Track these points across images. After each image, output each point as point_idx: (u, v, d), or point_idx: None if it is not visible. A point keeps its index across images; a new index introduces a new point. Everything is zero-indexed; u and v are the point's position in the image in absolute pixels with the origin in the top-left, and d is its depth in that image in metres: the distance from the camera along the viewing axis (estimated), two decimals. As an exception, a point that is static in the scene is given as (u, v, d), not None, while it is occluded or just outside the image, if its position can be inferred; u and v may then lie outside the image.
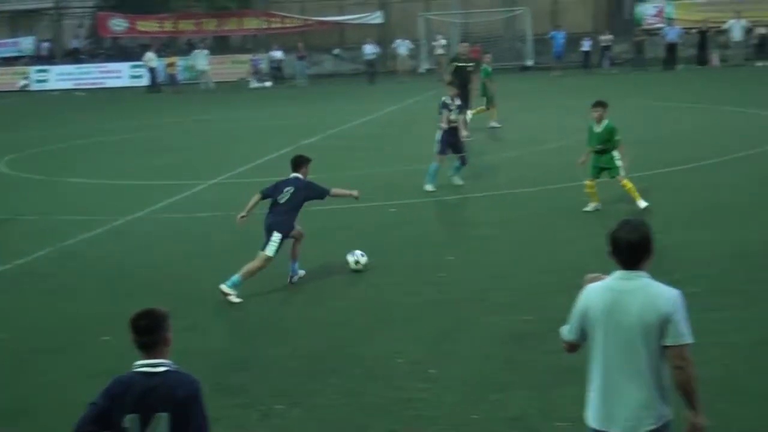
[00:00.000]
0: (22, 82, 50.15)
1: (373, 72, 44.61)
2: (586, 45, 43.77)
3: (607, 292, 4.99)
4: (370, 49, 45.29)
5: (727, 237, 12.51)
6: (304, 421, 7.81)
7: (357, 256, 12.04)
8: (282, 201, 11.50)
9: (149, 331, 4.85)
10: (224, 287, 11.09)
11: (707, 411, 5.02)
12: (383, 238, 13.08)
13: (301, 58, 46.12)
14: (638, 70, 41.79)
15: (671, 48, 42.53)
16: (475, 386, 8.19)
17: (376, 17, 50.51)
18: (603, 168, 14.20)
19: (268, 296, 11.37)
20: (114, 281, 12.36)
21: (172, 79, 46.01)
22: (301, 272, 11.88)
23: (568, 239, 12.80)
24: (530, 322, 9.48)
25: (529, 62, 46.30)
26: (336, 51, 51.24)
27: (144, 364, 4.84)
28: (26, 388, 8.85)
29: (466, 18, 48.64)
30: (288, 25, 50.48)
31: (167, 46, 50.48)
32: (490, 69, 25.91)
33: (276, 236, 11.36)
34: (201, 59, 46.58)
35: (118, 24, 51.18)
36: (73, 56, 54.35)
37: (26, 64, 52.37)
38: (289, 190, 11.54)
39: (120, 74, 50.17)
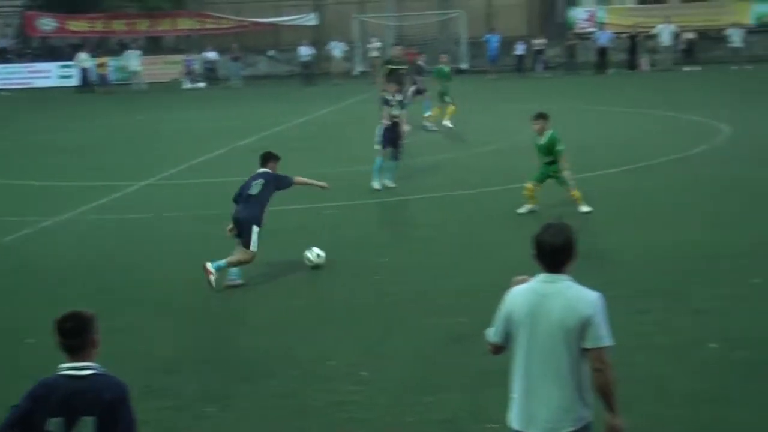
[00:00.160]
0: (-52, 82, 49.01)
1: (309, 74, 44.50)
2: (520, 49, 44.14)
3: (530, 295, 5.04)
4: (305, 51, 45.17)
5: (656, 240, 12.67)
6: (235, 424, 7.74)
7: (315, 253, 12.07)
8: (253, 193, 11.65)
9: (75, 334, 4.76)
10: (209, 265, 11.26)
11: (633, 413, 5.10)
12: (322, 239, 13.02)
13: (235, 59, 45.82)
14: (571, 74, 42.28)
15: (602, 52, 43.12)
16: (408, 389, 8.19)
17: (310, 19, 50.36)
18: (550, 177, 14.27)
19: (201, 299, 11.24)
20: (41, 283, 12.14)
21: (102, 80, 45.42)
22: (238, 280, 11.72)
23: (505, 242, 12.85)
24: (464, 324, 9.50)
25: (464, 65, 46.56)
26: (271, 52, 50.99)
27: (69, 367, 4.75)
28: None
29: (401, 20, 48.74)
30: (222, 26, 50.09)
31: (99, 47, 49.77)
32: (447, 69, 26.22)
33: (255, 230, 11.49)
34: (133, 60, 46.07)
35: (46, 24, 50.26)
36: (0, 56, 53.25)
37: (-48, 64, 51.20)
38: (259, 182, 11.71)
39: (49, 74, 49.24)
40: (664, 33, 43.63)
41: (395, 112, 17.26)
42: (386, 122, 17.14)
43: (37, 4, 52.44)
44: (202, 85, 45.61)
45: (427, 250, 13.08)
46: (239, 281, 11.64)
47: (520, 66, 43.80)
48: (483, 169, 18.88)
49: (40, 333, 9.00)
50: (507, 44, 44.52)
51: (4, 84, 48.45)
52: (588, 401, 4.99)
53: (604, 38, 43.48)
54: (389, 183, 17.32)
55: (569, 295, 4.95)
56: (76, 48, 47.93)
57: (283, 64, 49.85)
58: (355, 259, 12.61)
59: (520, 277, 5.23)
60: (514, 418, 5.10)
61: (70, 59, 46.84)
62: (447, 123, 25.19)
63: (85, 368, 4.74)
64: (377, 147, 17.31)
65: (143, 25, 50.65)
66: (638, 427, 6.87)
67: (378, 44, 44.79)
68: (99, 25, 50.40)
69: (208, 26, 50.10)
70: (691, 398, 7.64)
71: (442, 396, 7.97)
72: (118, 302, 10.91)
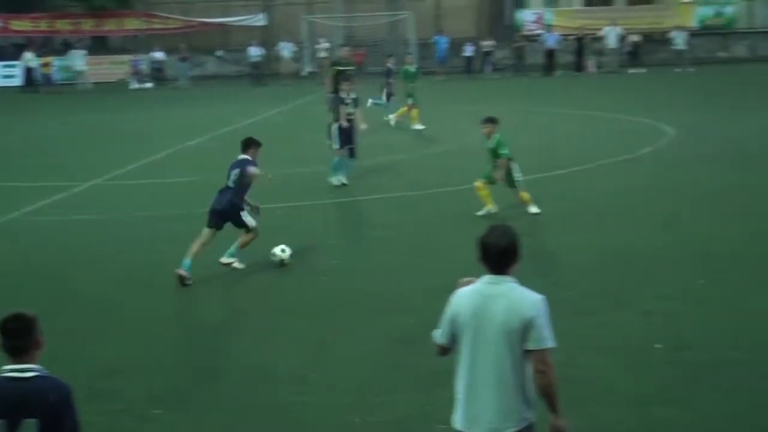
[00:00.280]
0: None
1: (259, 74, 44.34)
2: (468, 50, 44.34)
3: (475, 297, 5.06)
4: (255, 51, 44.98)
5: (603, 241, 12.77)
6: (182, 426, 7.67)
7: (281, 248, 12.16)
8: (231, 185, 11.86)
9: (18, 335, 4.69)
10: (223, 259, 11.81)
11: (578, 413, 5.14)
12: (271, 240, 12.95)
13: (183, 59, 45.49)
14: (519, 76, 42.56)
15: (550, 54, 43.50)
16: (357, 390, 8.18)
17: (259, 19, 50.15)
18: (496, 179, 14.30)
19: (146, 300, 11.13)
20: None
21: (47, 80, 44.87)
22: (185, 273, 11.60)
23: (456, 243, 12.83)
24: (413, 325, 9.49)
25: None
26: (219, 53, 50.69)
27: (12, 369, 4.68)
28: None
29: (350, 21, 48.73)
30: (170, 26, 49.70)
31: (43, 46, 49.13)
32: (412, 70, 26.37)
33: (242, 213, 11.87)
34: (78, 59, 45.64)
35: (-11, 23, 49.54)
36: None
37: None
38: (235, 173, 11.84)
39: (-8, 74, 48.55)
40: (611, 35, 44.14)
41: (350, 110, 17.43)
42: (343, 122, 17.29)
43: (-20, 4, 51.62)
44: (149, 85, 45.23)
45: (377, 250, 13.09)
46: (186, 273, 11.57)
47: (468, 67, 44.01)
48: (433, 170, 18.93)
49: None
50: (456, 46, 44.73)
51: (-54, 83, 47.63)
52: (531, 402, 5.03)
53: (551, 40, 43.87)
54: (343, 180, 17.49)
55: (513, 297, 4.99)
56: (20, 47, 47.32)
57: (231, 65, 49.58)
58: (306, 260, 12.55)
59: (466, 279, 5.25)
60: (458, 419, 5.13)
61: (14, 59, 46.25)
62: (416, 126, 25.27)
63: (28, 370, 4.68)
64: (334, 147, 17.43)
65: (88, 25, 50.08)
66: (583, 428, 6.93)
67: (327, 45, 44.72)
68: (43, 25, 49.76)
69: (155, 26, 49.68)
70: (636, 399, 7.70)
71: (390, 397, 7.95)
72: (61, 304, 10.77)
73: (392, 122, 25.51)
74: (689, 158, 18.89)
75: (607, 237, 12.99)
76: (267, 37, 48.30)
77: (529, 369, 4.98)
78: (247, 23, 49.91)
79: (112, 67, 47.57)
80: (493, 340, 4.96)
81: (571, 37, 44.72)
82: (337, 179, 17.39)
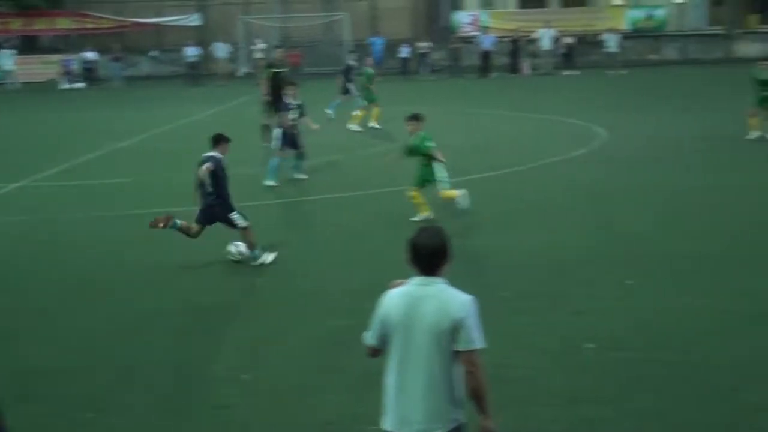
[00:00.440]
0: None
1: (195, 74, 43.99)
2: (404, 52, 44.47)
3: (405, 298, 5.05)
4: (192, 52, 44.63)
5: (535, 242, 12.84)
6: (115, 430, 7.53)
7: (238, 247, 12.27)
8: (210, 191, 11.93)
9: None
10: (233, 248, 12.12)
11: (511, 413, 5.13)
12: (205, 241, 12.81)
13: (116, 59, 44.95)
14: (455, 77, 42.78)
15: (486, 56, 43.80)
16: (290, 391, 8.12)
17: (194, 19, 49.75)
18: (427, 180, 14.27)
19: (75, 302, 10.93)
20: None
21: (-27, 79, 44.18)
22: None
23: (390, 244, 12.80)
24: (346, 326, 9.45)
25: (348, 67, 46.61)
26: (153, 53, 50.14)
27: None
28: None
29: (286, 22, 48.55)
30: (102, 26, 49.09)
31: (-29, 45, 48.21)
32: (371, 71, 26.55)
33: (231, 215, 11.98)
34: (6, 59, 45.04)
35: None
36: None
37: None
38: (207, 175, 11.86)
39: None
40: (545, 37, 44.60)
41: (294, 115, 17.60)
42: (286, 126, 17.47)
43: None
44: (81, 85, 44.66)
45: (312, 252, 13.00)
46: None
47: (404, 69, 44.12)
48: (369, 171, 18.90)
49: None
50: (391, 47, 44.82)
51: None
52: (460, 403, 5.03)
53: (487, 42, 44.17)
54: (301, 176, 17.80)
55: (442, 298, 4.98)
56: (-53, 47, 46.42)
57: (166, 65, 49.09)
58: (243, 260, 12.41)
59: (398, 281, 5.23)
60: (387, 420, 5.11)
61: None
62: (373, 124, 25.59)
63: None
64: (274, 148, 17.60)
65: (17, 24, 49.26)
66: (517, 428, 6.96)
67: (263, 46, 44.53)
68: (-31, 24, 48.84)
69: (87, 26, 49.05)
70: (569, 399, 7.73)
71: (323, 398, 7.91)
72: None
73: (354, 128, 25.37)
74: (621, 160, 19.11)
75: (540, 238, 13.07)
76: (202, 38, 47.93)
77: (459, 370, 4.97)
78: (181, 23, 49.48)
79: (42, 67, 46.84)
80: (423, 342, 4.95)
81: (506, 38, 45.08)
82: (274, 181, 17.33)
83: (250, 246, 12.09)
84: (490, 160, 19.31)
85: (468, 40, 45.85)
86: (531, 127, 25.37)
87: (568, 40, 45.49)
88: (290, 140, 17.56)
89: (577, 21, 47.77)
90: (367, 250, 12.85)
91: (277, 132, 17.62)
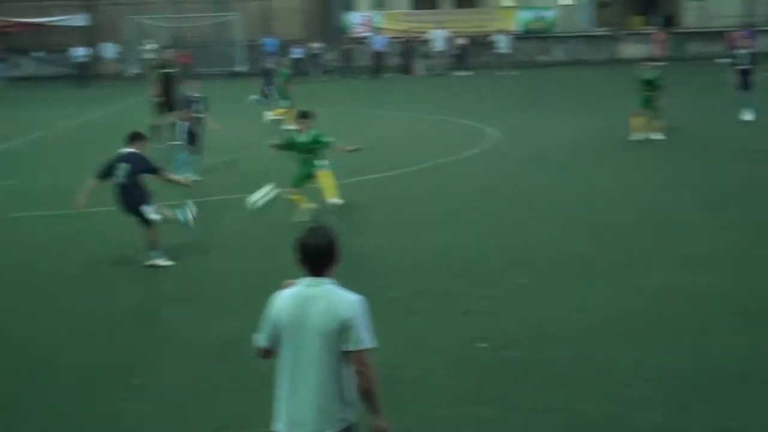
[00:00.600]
0: None
1: (83, 75, 43.05)
2: (296, 52, 44.31)
3: (294, 299, 5.02)
4: (80, 52, 43.70)
5: (426, 242, 12.89)
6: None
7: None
8: (123, 182, 11.68)
9: None
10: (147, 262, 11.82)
11: (404, 412, 5.12)
12: (96, 243, 12.54)
13: (-1, 60, 43.71)
14: (347, 78, 42.81)
15: (378, 57, 43.97)
16: (181, 395, 8.01)
17: (80, 19, 48.64)
18: (308, 176, 14.15)
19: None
20: None
21: None
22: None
23: (282, 244, 12.70)
24: (236, 328, 9.32)
25: (240, 68, 46.28)
26: (38, 53, 48.85)
27: None
28: None
29: (178, 22, 47.88)
30: (-16, 26, 47.63)
31: None
32: (287, 71, 26.70)
33: (144, 210, 11.76)
34: None
35: None
36: None
37: None
38: (124, 167, 11.67)
39: None
40: (438, 38, 44.99)
41: (198, 110, 17.87)
42: (189, 121, 17.68)
43: None
44: (-39, 86, 43.27)
45: (213, 253, 12.81)
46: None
47: (297, 69, 43.91)
48: (260, 171, 18.68)
49: None
50: (284, 48, 44.60)
51: None
52: (350, 403, 5.02)
53: (379, 43, 44.34)
54: (194, 176, 17.44)
55: (331, 299, 4.97)
56: None
57: (52, 66, 47.87)
58: (128, 263, 12.16)
59: (289, 281, 5.19)
60: (280, 421, 5.08)
61: None
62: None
63: None
64: (179, 144, 17.80)
65: None
66: (410, 427, 6.96)
67: (153, 46, 43.82)
68: None
69: (-33, 25, 47.51)
70: (462, 398, 7.77)
71: (214, 401, 7.82)
72: None
73: (269, 119, 25.92)
74: (512, 160, 19.37)
75: (432, 238, 13.13)
76: (91, 38, 46.92)
77: (349, 370, 4.96)
78: (67, 23, 48.34)
79: None
80: (312, 342, 4.93)
81: (399, 39, 45.32)
82: (190, 175, 17.13)
83: (154, 243, 11.95)
84: (383, 161, 19.34)
85: (360, 41, 45.96)
86: (424, 127, 25.53)
87: (461, 41, 45.96)
88: (191, 134, 17.75)
89: (469, 22, 48.30)
90: (256, 252, 12.73)
91: (180, 125, 17.81)
